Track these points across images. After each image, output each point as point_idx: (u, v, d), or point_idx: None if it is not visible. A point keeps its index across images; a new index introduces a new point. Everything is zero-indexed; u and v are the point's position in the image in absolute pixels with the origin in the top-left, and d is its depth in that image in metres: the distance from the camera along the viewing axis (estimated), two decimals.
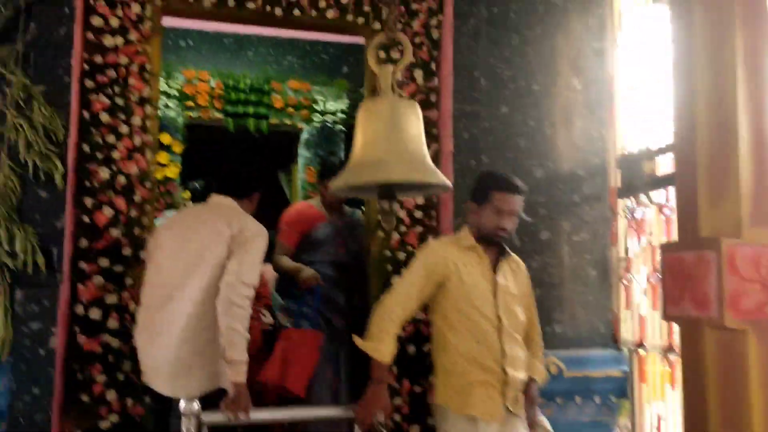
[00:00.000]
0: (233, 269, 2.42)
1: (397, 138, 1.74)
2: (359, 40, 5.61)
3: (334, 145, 5.94)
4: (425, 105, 3.37)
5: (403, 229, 3.32)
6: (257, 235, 2.53)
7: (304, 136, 5.93)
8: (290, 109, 5.69)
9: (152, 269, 2.62)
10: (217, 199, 2.73)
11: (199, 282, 2.47)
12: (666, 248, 2.55)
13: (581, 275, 3.39)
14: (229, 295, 2.36)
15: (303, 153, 5.95)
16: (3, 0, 2.79)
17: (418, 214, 3.33)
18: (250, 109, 5.59)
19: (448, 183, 1.73)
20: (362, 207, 3.82)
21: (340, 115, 5.82)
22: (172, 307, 2.47)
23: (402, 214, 3.31)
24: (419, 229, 3.33)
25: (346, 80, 5.90)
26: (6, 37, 2.82)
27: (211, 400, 2.35)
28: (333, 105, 5.81)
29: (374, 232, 3.37)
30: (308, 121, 5.77)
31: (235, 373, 2.32)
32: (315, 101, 5.76)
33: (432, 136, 3.37)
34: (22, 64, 2.81)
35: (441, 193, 1.86)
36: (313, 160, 5.90)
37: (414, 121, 1.79)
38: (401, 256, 3.30)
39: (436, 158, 3.35)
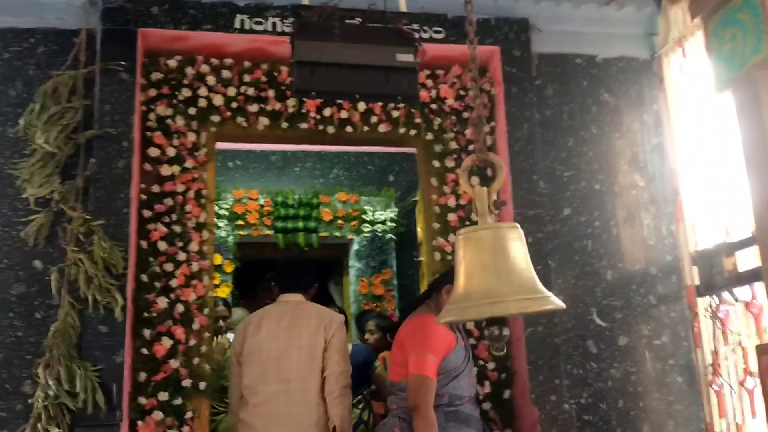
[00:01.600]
0: (336, 360, 2.84)
1: (505, 267, 1.64)
2: (407, 149, 5.72)
3: (385, 254, 5.87)
4: None
5: (472, 342, 3.15)
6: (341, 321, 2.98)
7: (355, 247, 5.90)
8: (340, 221, 5.68)
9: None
10: (288, 297, 3.00)
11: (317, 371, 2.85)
12: (763, 349, 2.34)
13: (667, 382, 3.15)
14: (343, 382, 2.81)
15: (354, 264, 5.90)
16: (64, 138, 2.84)
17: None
18: (300, 224, 5.59)
19: (563, 305, 1.60)
20: None
21: (389, 224, 5.78)
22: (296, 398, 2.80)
23: (470, 325, 3.16)
24: (487, 342, 3.16)
25: (394, 189, 5.91)
26: (66, 174, 2.86)
27: None
28: (382, 214, 5.79)
29: None
30: (358, 231, 5.75)
31: None
32: (364, 212, 5.75)
33: None
34: (82, 199, 2.83)
35: (555, 310, 1.72)
36: (366, 270, 5.83)
37: (519, 246, 1.69)
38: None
39: None
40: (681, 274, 3.28)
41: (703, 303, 3.19)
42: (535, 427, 2.92)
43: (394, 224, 5.78)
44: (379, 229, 5.77)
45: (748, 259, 2.91)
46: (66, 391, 2.56)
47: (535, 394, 2.97)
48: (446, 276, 2.78)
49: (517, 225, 1.73)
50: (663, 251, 3.31)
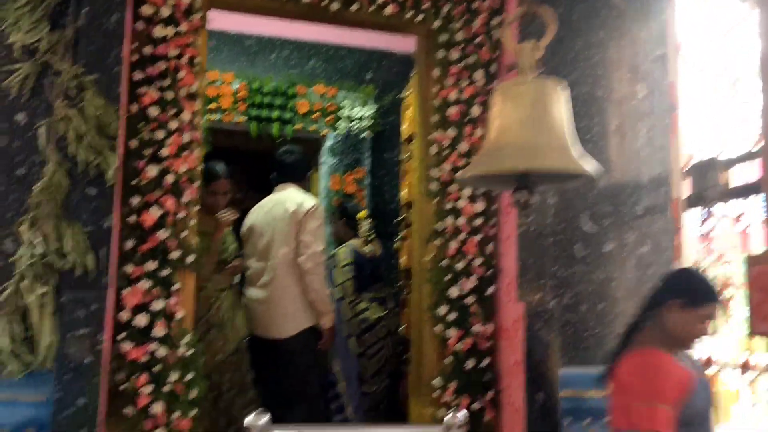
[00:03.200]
0: (305, 242, 3.67)
1: (545, 122, 1.58)
2: (387, 45, 5.53)
3: (359, 152, 5.78)
4: (486, 108, 3.23)
5: (462, 236, 3.16)
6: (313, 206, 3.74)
7: (328, 142, 5.77)
8: (315, 114, 5.52)
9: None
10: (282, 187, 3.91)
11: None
12: (753, 261, 2.40)
13: (645, 290, 3.24)
14: (311, 261, 3.64)
15: (327, 160, 5.79)
16: None
17: (478, 222, 3.17)
18: (275, 113, 5.41)
19: (597, 171, 1.57)
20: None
21: (366, 121, 5.66)
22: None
23: (461, 221, 3.16)
24: (479, 237, 3.17)
25: (372, 86, 5.76)
26: (55, 22, 2.64)
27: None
28: (359, 110, 5.65)
29: (429, 241, 3.21)
30: (333, 126, 5.61)
31: (328, 321, 3.74)
32: (341, 107, 5.60)
33: None
34: (72, 52, 2.63)
35: (589, 183, 1.69)
36: (338, 167, 5.74)
37: (562, 104, 1.63)
38: (459, 265, 3.13)
39: None
40: (670, 187, 3.32)
41: (691, 216, 3.26)
42: (519, 322, 2.98)
43: (371, 122, 5.66)
44: (354, 126, 5.64)
45: (742, 174, 2.97)
46: (53, 251, 2.45)
47: (521, 291, 3.02)
48: (670, 287, 2.23)
49: (564, 83, 1.68)
50: (655, 163, 3.33)
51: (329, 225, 4.88)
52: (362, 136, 5.71)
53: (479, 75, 3.24)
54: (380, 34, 5.24)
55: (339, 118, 5.62)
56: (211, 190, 3.84)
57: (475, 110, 3.22)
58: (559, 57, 3.25)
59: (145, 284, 2.72)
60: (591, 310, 3.17)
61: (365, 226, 4.64)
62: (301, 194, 3.87)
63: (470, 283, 3.13)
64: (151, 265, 2.74)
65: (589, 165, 1.55)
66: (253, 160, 5.75)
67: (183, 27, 2.91)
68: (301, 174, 4.06)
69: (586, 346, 3.12)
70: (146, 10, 2.84)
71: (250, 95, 5.35)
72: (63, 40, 2.60)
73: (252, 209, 3.99)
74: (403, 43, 5.44)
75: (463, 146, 3.20)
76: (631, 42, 3.39)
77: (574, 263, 3.17)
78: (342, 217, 4.70)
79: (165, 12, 2.87)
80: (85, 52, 2.64)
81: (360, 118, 5.63)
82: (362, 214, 4.79)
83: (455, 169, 3.21)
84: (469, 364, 3.07)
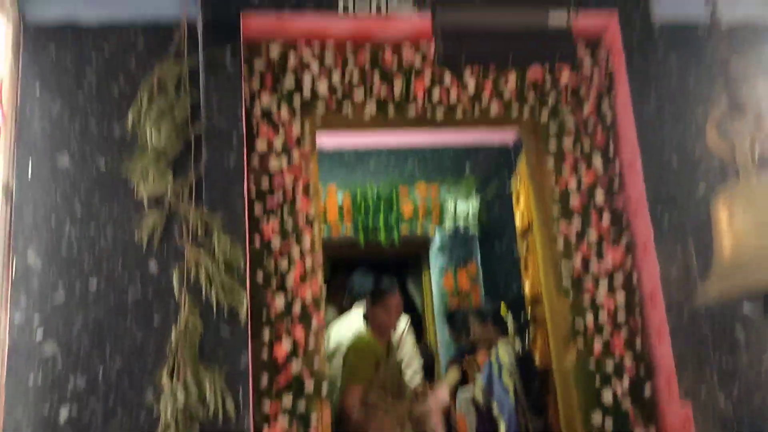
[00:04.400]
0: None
1: None
2: (485, 138, 5.49)
3: (469, 247, 5.67)
4: (609, 193, 3.07)
5: (605, 334, 2.92)
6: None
7: (436, 241, 5.71)
8: (421, 215, 5.49)
9: None
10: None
11: None
12: None
13: None
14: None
15: (437, 259, 5.71)
16: (175, 134, 2.70)
17: (621, 315, 2.94)
18: (381, 219, 5.41)
19: None
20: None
21: (471, 216, 5.57)
22: None
23: (603, 316, 2.93)
24: (625, 332, 2.93)
25: (473, 179, 5.70)
26: (178, 170, 2.73)
27: None
28: (463, 205, 5.58)
29: (569, 341, 2.99)
30: (440, 225, 5.54)
31: None
32: (444, 204, 5.55)
33: (622, 226, 3.04)
34: (195, 196, 2.69)
35: None
36: (449, 265, 5.64)
37: None
38: (608, 366, 2.88)
39: (628, 250, 3.01)
40: None
41: None
42: (688, 424, 2.67)
43: (476, 216, 5.56)
44: (461, 222, 5.55)
45: None
46: (195, 399, 2.41)
47: (684, 387, 2.73)
48: None
49: None
50: None
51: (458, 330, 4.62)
52: (470, 231, 5.61)
53: (597, 160, 3.09)
54: (480, 131, 5.25)
55: (444, 215, 5.55)
56: (385, 307, 3.51)
57: (599, 197, 3.06)
58: (680, 130, 3.08)
59: (283, 421, 2.64)
60: (766, 402, 2.82)
61: (510, 323, 4.31)
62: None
63: (624, 384, 2.86)
64: (287, 400, 2.66)
65: None
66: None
67: (295, 155, 2.95)
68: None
69: None
70: (260, 145, 2.90)
71: (355, 205, 5.40)
72: (186, 186, 2.67)
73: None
74: (499, 135, 5.40)
75: (592, 236, 3.02)
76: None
77: (737, 350, 2.86)
78: (484, 318, 4.25)
79: (278, 144, 2.92)
80: (208, 194, 2.69)
81: (465, 213, 5.54)
82: (503, 309, 4.40)
83: (586, 261, 3.02)
84: None
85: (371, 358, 2.98)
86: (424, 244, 5.78)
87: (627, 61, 3.05)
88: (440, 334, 5.39)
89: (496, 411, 3.70)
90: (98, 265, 2.65)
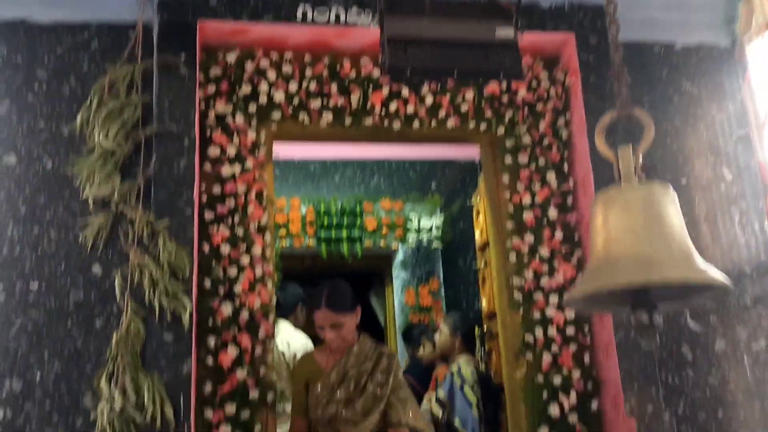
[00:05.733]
0: None
1: (659, 231, 1.43)
2: (449, 154, 5.51)
3: (431, 263, 5.67)
4: (563, 209, 3.09)
5: (554, 348, 2.93)
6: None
7: (399, 256, 5.70)
8: (384, 230, 5.48)
9: None
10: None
11: None
12: None
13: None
14: None
15: (399, 274, 5.69)
16: (123, 136, 2.67)
17: (570, 330, 2.95)
18: (344, 233, 5.39)
19: (728, 283, 1.38)
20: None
21: (435, 231, 5.58)
22: None
23: (552, 331, 2.94)
24: (573, 347, 2.94)
25: (438, 196, 5.72)
26: (126, 173, 2.69)
27: None
28: (427, 222, 5.58)
29: (519, 355, 2.99)
30: (403, 240, 5.54)
31: None
32: (409, 219, 5.55)
33: (573, 242, 3.06)
34: (142, 199, 2.66)
35: (720, 297, 1.50)
36: (411, 281, 5.62)
37: (674, 210, 1.49)
38: (557, 380, 2.89)
39: (579, 266, 3.03)
40: None
41: None
42: None
43: (440, 231, 5.57)
44: (424, 238, 5.56)
45: None
46: (132, 405, 2.36)
47: (629, 404, 2.74)
48: None
49: (669, 186, 1.53)
50: (756, 249, 3.07)
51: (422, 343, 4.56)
52: (433, 246, 5.61)
53: (551, 176, 3.11)
54: (442, 146, 5.26)
55: (408, 231, 5.56)
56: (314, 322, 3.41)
57: (552, 213, 3.08)
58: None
59: (225, 429, 2.59)
60: (710, 418, 2.84)
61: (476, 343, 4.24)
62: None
63: (571, 399, 2.87)
64: (230, 408, 2.62)
65: (717, 277, 1.37)
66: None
67: (249, 163, 2.93)
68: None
69: None
70: (213, 151, 2.88)
71: (318, 218, 5.39)
72: (134, 190, 2.64)
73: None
74: (465, 151, 5.41)
75: (544, 251, 3.04)
76: (710, 125, 3.24)
77: (684, 367, 2.88)
78: (456, 330, 4.11)
79: (231, 151, 2.90)
80: (156, 198, 2.66)
81: (429, 229, 5.55)
82: (477, 330, 4.25)
83: (538, 276, 3.03)
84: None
85: (299, 382, 2.82)
86: (387, 258, 5.77)
87: (583, 80, 3.09)
88: (401, 349, 5.36)
89: (458, 424, 3.65)
90: (40, 266, 2.60)
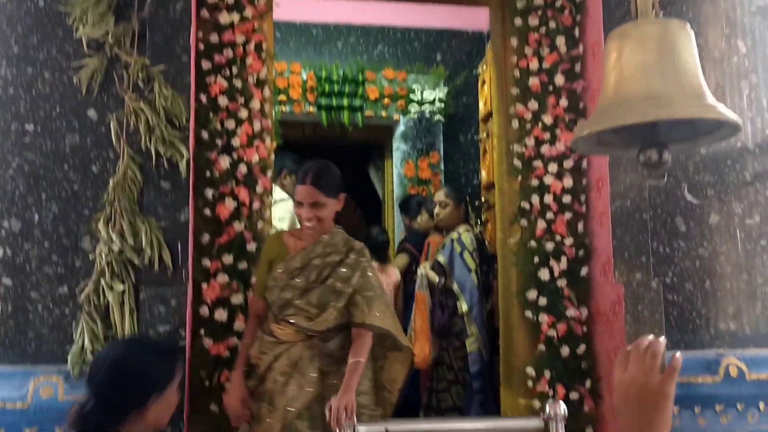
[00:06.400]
0: None
1: (672, 68, 1.39)
2: (457, 23, 5.32)
3: (432, 136, 5.62)
4: (570, 76, 3.01)
5: (549, 216, 2.95)
6: None
7: (400, 128, 5.63)
8: (386, 100, 5.38)
9: None
10: None
11: None
12: None
13: (757, 264, 2.95)
14: None
15: (399, 146, 5.65)
16: None
17: (567, 198, 2.96)
18: (345, 101, 5.30)
19: (739, 122, 1.36)
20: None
21: (438, 104, 5.48)
22: None
23: (548, 199, 2.95)
24: (568, 215, 2.96)
25: (443, 67, 5.57)
26: (120, 15, 2.59)
27: None
28: (431, 93, 5.47)
29: (514, 222, 3.02)
30: (404, 111, 5.45)
31: None
32: (412, 90, 5.44)
33: (578, 111, 3.00)
34: (137, 43, 2.57)
35: (729, 136, 1.47)
36: (411, 153, 5.59)
37: (690, 47, 1.44)
38: (549, 246, 2.93)
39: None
40: None
41: None
42: (618, 305, 2.75)
43: (443, 104, 5.47)
44: (426, 110, 5.46)
45: None
46: (131, 247, 2.40)
47: (619, 271, 2.79)
48: None
49: (687, 24, 1.48)
50: (762, 125, 3.03)
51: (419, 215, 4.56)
52: (435, 119, 5.53)
53: (561, 41, 3.01)
54: (449, 13, 5.06)
55: (410, 102, 5.45)
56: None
57: (559, 79, 3.00)
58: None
59: (223, 278, 2.66)
60: (697, 288, 2.91)
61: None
62: None
63: (561, 264, 2.92)
64: (227, 259, 2.67)
65: (727, 114, 1.34)
66: (325, 152, 5.66)
67: (248, 12, 2.82)
68: None
69: (693, 329, 2.87)
70: None
71: (319, 84, 5.26)
72: (129, 32, 2.55)
73: None
74: (473, 21, 5.24)
75: (547, 118, 2.99)
76: None
77: (676, 238, 2.91)
78: (459, 203, 4.02)
79: None
80: (151, 42, 2.58)
81: (432, 101, 5.45)
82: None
83: (539, 144, 3.00)
84: (564, 351, 2.86)
85: (264, 261, 2.50)
86: (388, 129, 5.70)
87: None
88: (398, 222, 5.41)
89: (456, 288, 3.73)
90: (35, 108, 2.56)
